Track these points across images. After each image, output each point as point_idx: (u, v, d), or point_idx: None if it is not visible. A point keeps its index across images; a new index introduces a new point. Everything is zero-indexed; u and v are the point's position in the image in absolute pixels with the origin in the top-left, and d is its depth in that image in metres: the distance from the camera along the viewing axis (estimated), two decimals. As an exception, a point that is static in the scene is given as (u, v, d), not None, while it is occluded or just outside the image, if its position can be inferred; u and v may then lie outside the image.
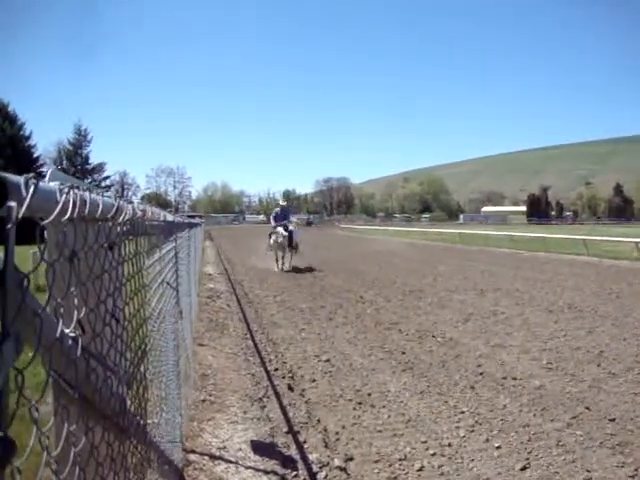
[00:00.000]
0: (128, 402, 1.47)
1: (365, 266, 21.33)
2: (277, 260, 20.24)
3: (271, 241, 20.60)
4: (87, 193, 1.11)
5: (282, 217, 21.25)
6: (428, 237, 45.49)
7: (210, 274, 17.89)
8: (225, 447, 4.44)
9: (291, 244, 20.47)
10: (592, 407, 5.84)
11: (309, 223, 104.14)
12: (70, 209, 0.95)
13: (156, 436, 2.47)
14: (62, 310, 0.97)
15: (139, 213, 1.77)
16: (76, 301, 1.06)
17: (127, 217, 1.47)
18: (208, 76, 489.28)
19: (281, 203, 23.55)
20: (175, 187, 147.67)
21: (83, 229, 1.14)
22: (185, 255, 6.53)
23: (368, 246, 36.35)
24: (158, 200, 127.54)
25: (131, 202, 1.68)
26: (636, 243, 25.31)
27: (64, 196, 0.94)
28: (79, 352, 1.00)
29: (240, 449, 4.46)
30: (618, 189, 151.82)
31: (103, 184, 79.15)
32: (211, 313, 10.62)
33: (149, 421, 2.24)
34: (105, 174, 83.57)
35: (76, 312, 1.05)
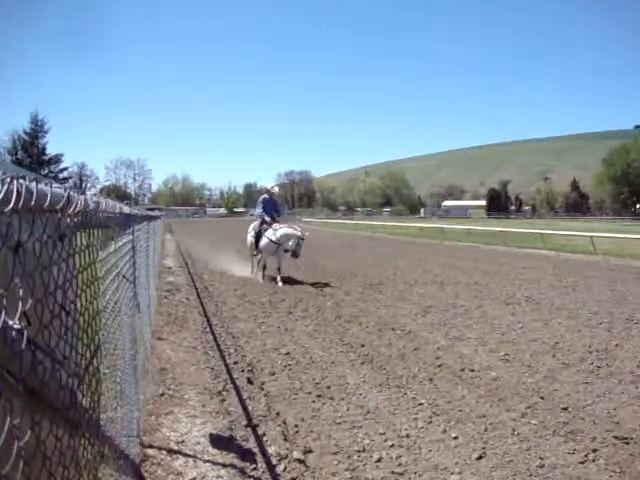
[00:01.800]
0: (79, 396, 1.45)
1: (326, 259, 21.37)
2: (264, 268, 15.47)
3: (262, 242, 15.12)
4: (34, 184, 1.09)
5: (272, 209, 15.77)
6: (389, 231, 45.86)
7: (170, 267, 17.73)
8: (183, 441, 4.41)
9: (296, 253, 15.12)
10: (546, 397, 5.97)
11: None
12: (14, 199, 0.93)
13: (111, 431, 2.44)
14: (5, 302, 0.95)
15: (91, 205, 1.74)
16: (21, 292, 1.04)
17: (78, 209, 1.45)
18: (169, 69, 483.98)
19: (270, 187, 16.53)
20: (135, 179, 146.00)
21: (30, 220, 1.12)
22: (143, 248, 6.46)
23: (329, 240, 36.44)
24: (117, 192, 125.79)
25: (84, 194, 1.65)
26: (591, 237, 25.90)
27: (6, 186, 0.92)
28: (24, 344, 0.99)
29: (199, 443, 4.43)
30: (575, 184, 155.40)
31: (60, 176, 77.69)
32: (170, 307, 10.53)
33: (103, 416, 2.21)
34: (62, 166, 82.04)
35: (21, 303, 1.03)
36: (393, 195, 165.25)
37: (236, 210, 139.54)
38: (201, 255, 22.59)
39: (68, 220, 1.43)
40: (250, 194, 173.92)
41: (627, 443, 4.81)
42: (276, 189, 17.06)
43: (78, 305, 1.62)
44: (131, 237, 4.15)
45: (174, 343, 7.72)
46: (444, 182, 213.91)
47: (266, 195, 16.12)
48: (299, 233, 15.14)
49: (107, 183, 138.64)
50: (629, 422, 5.28)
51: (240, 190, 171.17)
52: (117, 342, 2.94)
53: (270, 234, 15.05)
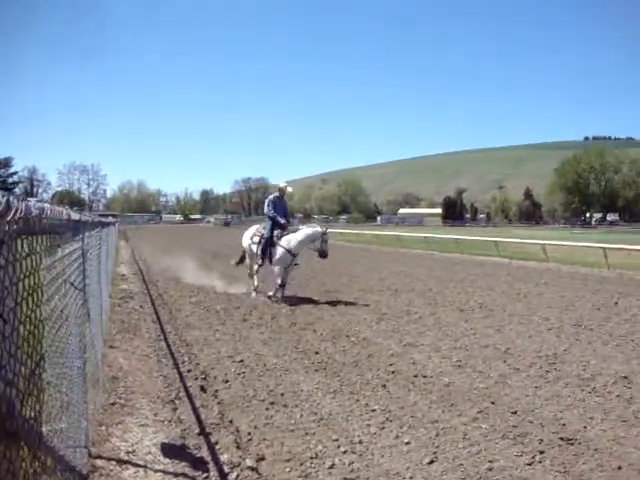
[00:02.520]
0: (19, 405, 1.43)
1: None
2: (281, 281, 13.12)
3: (278, 253, 13.04)
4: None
5: (282, 211, 13.64)
6: (345, 238, 45.99)
7: (124, 275, 17.46)
8: (134, 451, 4.36)
9: (325, 253, 13.50)
10: (497, 401, 6.08)
11: (227, 224, 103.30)
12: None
13: (56, 441, 2.40)
14: None
15: (34, 211, 1.72)
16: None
17: (19, 215, 1.43)
18: (125, 72, 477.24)
19: (284, 186, 14.30)
20: (89, 185, 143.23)
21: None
22: (95, 255, 6.36)
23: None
24: (71, 198, 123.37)
25: (27, 200, 1.63)
26: (543, 245, 26.46)
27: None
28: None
29: (150, 452, 4.38)
30: (528, 193, 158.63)
31: (10, 180, 75.79)
32: (123, 315, 10.38)
33: (47, 426, 2.17)
34: (12, 170, 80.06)
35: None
36: (350, 202, 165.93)
37: (192, 217, 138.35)
38: (156, 262, 22.29)
39: (7, 227, 1.41)
40: (207, 200, 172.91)
41: (572, 444, 4.95)
42: (290, 189, 14.85)
43: (19, 313, 1.59)
44: (80, 244, 4.09)
45: (126, 351, 7.62)
46: (400, 190, 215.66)
47: (277, 194, 13.85)
48: (321, 228, 13.63)
49: (60, 188, 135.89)
50: (574, 424, 5.43)
51: (196, 197, 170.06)
52: (64, 351, 2.89)
53: (285, 243, 13.10)
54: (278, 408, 5.87)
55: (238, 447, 4.81)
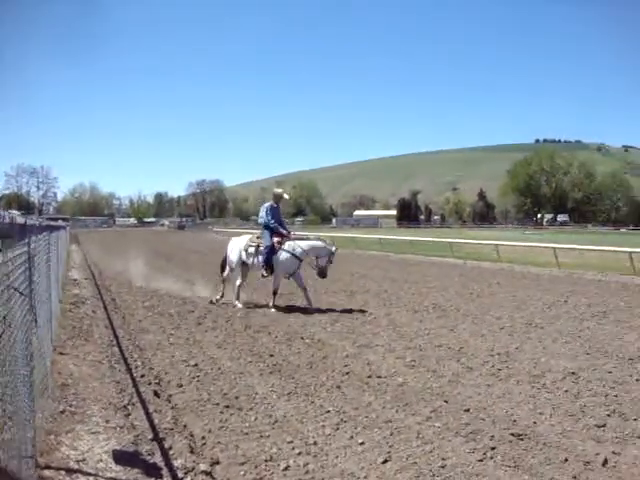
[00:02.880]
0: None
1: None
2: (277, 288, 12.65)
3: (282, 257, 12.48)
4: None
5: (278, 219, 12.94)
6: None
7: (75, 279, 17.10)
8: (84, 459, 4.26)
9: (324, 272, 12.80)
10: (450, 400, 6.18)
11: (181, 227, 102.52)
12: None
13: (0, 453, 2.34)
14: None
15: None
16: None
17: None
18: (73, 74, 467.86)
19: (281, 193, 13.59)
20: (39, 188, 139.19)
21: None
22: (43, 260, 6.23)
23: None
24: (19, 201, 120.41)
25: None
26: (496, 245, 26.97)
27: None
28: None
29: (101, 460, 4.30)
30: (481, 195, 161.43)
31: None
32: (75, 320, 10.15)
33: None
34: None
35: None
36: (305, 205, 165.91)
37: (147, 220, 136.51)
38: (109, 266, 21.93)
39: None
40: (161, 203, 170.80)
41: (522, 439, 5.07)
42: (286, 195, 13.92)
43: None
44: (26, 249, 3.99)
45: (77, 357, 7.45)
46: (355, 192, 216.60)
47: (273, 202, 13.02)
48: (332, 248, 12.88)
49: (7, 192, 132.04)
50: (525, 420, 5.56)
51: (150, 200, 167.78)
52: (7, 358, 2.82)
53: (290, 247, 12.56)
54: (233, 411, 5.83)
55: (192, 452, 4.76)
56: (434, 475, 4.41)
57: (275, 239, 12.55)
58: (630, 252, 20.90)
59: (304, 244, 12.64)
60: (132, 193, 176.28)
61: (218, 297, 13.04)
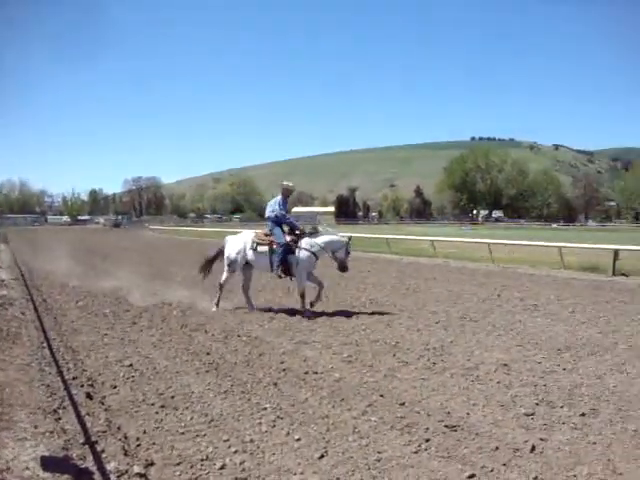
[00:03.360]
0: None
1: (176, 267, 20.92)
2: (304, 289, 11.75)
3: (302, 255, 11.56)
4: None
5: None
6: (239, 237, 45.70)
7: (3, 280, 16.48)
8: (9, 468, 4.12)
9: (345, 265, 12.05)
10: (386, 394, 6.26)
11: (117, 224, 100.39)
12: None
13: None
14: None
15: None
16: None
17: None
18: (7, 65, 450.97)
19: (291, 187, 12.63)
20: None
21: None
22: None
23: (180, 247, 35.81)
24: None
25: None
26: (432, 241, 27.44)
27: None
28: None
29: (27, 468, 4.16)
30: (418, 191, 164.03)
31: None
32: (2, 322, 9.80)
33: None
34: None
35: None
36: (243, 201, 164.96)
37: (81, 218, 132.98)
38: (40, 266, 21.22)
39: None
40: (95, 201, 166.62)
41: (455, 430, 5.21)
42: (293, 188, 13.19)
43: None
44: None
45: (4, 361, 7.20)
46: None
47: (280, 196, 12.16)
48: (345, 238, 12.31)
49: None
50: (458, 411, 5.70)
51: (84, 197, 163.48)
52: None
53: (308, 244, 11.69)
54: (168, 411, 5.76)
55: (126, 454, 4.68)
56: (370, 468, 4.47)
57: (288, 237, 11.71)
58: (560, 247, 21.66)
59: (320, 240, 11.79)
60: (65, 190, 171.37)
61: (216, 302, 11.94)
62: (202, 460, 4.63)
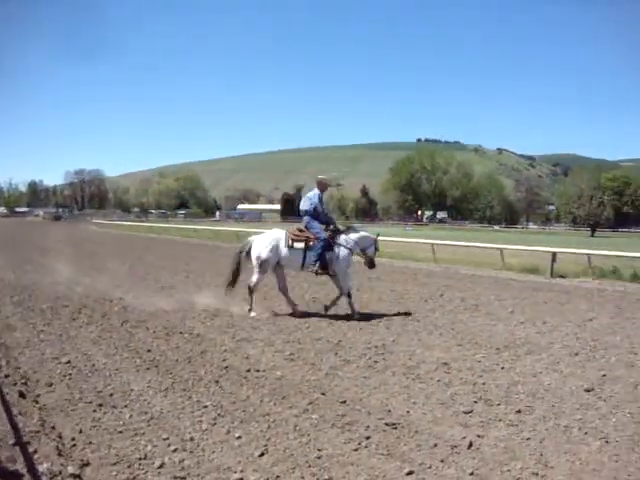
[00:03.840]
0: None
1: (117, 263, 20.49)
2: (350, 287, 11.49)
3: (342, 253, 11.26)
4: None
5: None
6: (183, 233, 45.21)
7: None
8: None
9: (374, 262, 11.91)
10: (327, 392, 6.28)
11: (57, 218, 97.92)
12: None
13: None
14: None
15: None
16: None
17: None
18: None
19: (327, 180, 12.32)
20: None
21: None
22: None
23: (123, 243, 35.14)
24: None
25: None
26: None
27: None
28: None
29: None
30: (364, 191, 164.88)
31: None
32: None
33: None
34: None
35: None
36: (188, 197, 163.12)
37: (19, 210, 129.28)
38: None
39: None
40: (35, 192, 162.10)
41: (395, 428, 5.26)
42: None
43: None
44: None
45: None
46: (239, 185, 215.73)
47: (318, 191, 11.71)
48: (374, 235, 11.92)
49: None
50: (399, 409, 5.76)
51: (23, 188, 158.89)
52: None
53: (344, 241, 11.34)
54: (106, 410, 5.63)
55: (60, 454, 4.54)
56: (310, 466, 4.47)
57: (326, 234, 11.27)
58: (501, 248, 22.18)
59: (353, 236, 11.45)
60: (2, 181, 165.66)
61: (250, 307, 11.04)
62: (140, 459, 4.53)
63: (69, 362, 7.25)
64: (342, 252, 11.23)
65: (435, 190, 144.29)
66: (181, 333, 9.08)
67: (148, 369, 7.09)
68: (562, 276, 18.88)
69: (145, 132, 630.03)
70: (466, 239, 34.35)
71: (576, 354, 8.22)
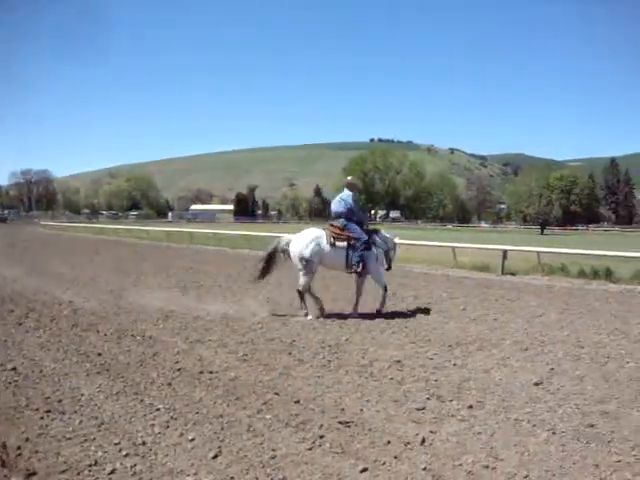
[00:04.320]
0: None
1: (66, 267, 20.04)
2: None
3: (377, 252, 11.46)
4: None
5: None
6: (135, 234, 44.50)
7: None
8: None
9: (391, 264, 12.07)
10: (281, 392, 6.25)
11: (3, 219, 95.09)
12: None
13: None
14: None
15: None
16: None
17: None
18: None
19: (356, 181, 13.04)
20: None
21: None
22: None
23: (70, 244, 34.45)
24: None
25: None
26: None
27: None
28: None
29: None
30: (318, 191, 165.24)
31: None
32: None
33: None
34: None
35: None
36: (140, 198, 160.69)
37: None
38: None
39: None
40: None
41: (349, 426, 5.27)
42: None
43: None
44: None
45: None
46: (192, 186, 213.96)
47: (350, 192, 11.85)
48: (396, 238, 12.39)
49: None
50: (352, 408, 5.77)
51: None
52: None
53: (380, 242, 11.57)
54: (54, 416, 5.48)
55: (4, 465, 4.39)
56: (264, 466, 4.45)
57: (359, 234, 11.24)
58: (453, 247, 22.50)
59: (385, 237, 11.71)
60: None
61: (306, 310, 10.92)
62: (90, 466, 4.43)
63: (14, 369, 7.03)
64: (378, 252, 11.39)
65: (388, 189, 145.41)
66: (133, 336, 8.92)
67: (99, 373, 6.94)
68: (512, 273, 19.24)
69: (95, 131, 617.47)
70: (419, 238, 34.66)
71: (526, 349, 8.39)
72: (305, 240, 11.10)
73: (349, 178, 12.49)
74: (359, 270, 11.18)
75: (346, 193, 11.69)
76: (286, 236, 11.65)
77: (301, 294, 11.07)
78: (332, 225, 11.37)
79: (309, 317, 10.67)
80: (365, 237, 11.16)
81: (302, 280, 11.06)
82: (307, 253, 10.95)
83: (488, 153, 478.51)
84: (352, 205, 11.43)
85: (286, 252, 11.30)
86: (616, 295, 14.42)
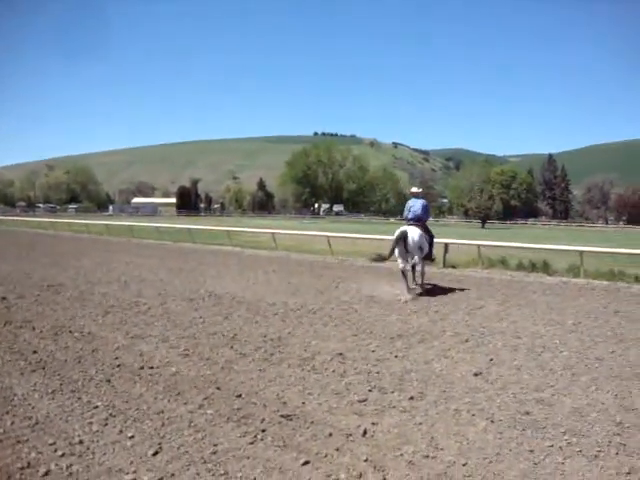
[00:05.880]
0: None
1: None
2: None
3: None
4: None
5: None
6: (74, 228, 43.36)
7: None
8: None
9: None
10: (223, 387, 6.21)
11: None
12: None
13: None
14: None
15: None
16: None
17: None
18: None
19: (419, 191, 14.88)
20: None
21: None
22: None
23: (3, 238, 33.33)
24: None
25: None
26: (273, 234, 27.61)
27: None
28: None
29: None
30: (261, 184, 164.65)
31: None
32: None
33: None
34: None
35: None
36: (80, 191, 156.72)
37: None
38: None
39: None
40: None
41: (291, 420, 5.28)
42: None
43: None
44: None
45: None
46: (134, 178, 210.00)
47: (418, 201, 14.21)
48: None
49: None
50: (294, 401, 5.78)
51: None
52: None
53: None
54: (-16, 417, 5.29)
55: None
56: (205, 462, 4.41)
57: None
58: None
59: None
60: None
61: (407, 290, 13.13)
62: (23, 468, 4.29)
63: (-57, 370, 6.77)
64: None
65: (332, 183, 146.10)
66: (70, 332, 8.69)
67: (34, 371, 6.73)
68: (454, 266, 19.53)
69: (32, 121, 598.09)
70: (362, 231, 34.90)
71: (466, 340, 8.55)
72: (418, 232, 13.28)
73: (413, 189, 14.97)
74: (433, 257, 14.51)
75: (416, 201, 14.10)
76: (402, 228, 13.46)
77: (406, 275, 13.40)
78: (416, 224, 13.61)
79: (409, 296, 12.57)
80: (433, 234, 14.13)
81: (417, 262, 13.45)
82: (419, 242, 13.23)
83: (431, 148, 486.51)
84: (419, 212, 13.88)
85: (406, 239, 13.11)
86: (553, 287, 14.81)
